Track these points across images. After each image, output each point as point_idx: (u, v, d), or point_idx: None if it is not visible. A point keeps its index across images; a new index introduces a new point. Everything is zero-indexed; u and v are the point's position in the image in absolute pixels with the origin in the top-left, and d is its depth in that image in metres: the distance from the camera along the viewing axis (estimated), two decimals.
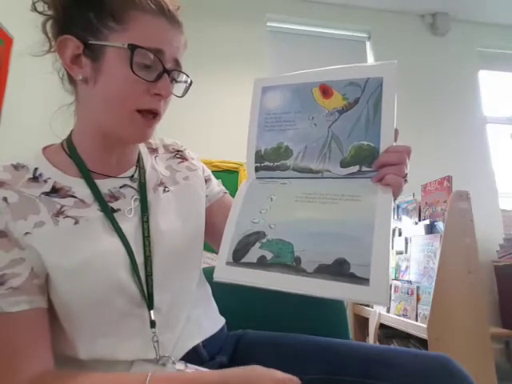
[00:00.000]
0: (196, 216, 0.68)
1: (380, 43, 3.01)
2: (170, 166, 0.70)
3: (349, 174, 0.53)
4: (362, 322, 2.24)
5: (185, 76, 0.60)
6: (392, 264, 2.00)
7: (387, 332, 1.96)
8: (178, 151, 0.74)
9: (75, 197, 0.55)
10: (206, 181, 0.74)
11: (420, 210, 1.97)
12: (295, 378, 0.47)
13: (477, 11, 3.03)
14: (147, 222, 0.59)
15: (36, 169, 0.54)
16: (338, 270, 0.45)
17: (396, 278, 1.95)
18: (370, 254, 0.45)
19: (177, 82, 0.60)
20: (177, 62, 0.57)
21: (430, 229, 1.81)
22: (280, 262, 0.48)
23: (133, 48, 0.51)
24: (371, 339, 1.95)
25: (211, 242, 0.73)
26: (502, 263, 2.44)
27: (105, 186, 0.58)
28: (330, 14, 2.98)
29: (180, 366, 0.54)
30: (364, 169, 0.52)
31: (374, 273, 0.44)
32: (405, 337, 1.88)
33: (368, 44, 3.05)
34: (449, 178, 1.81)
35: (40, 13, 0.56)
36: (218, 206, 0.74)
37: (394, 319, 1.84)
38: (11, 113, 1.45)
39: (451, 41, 3.07)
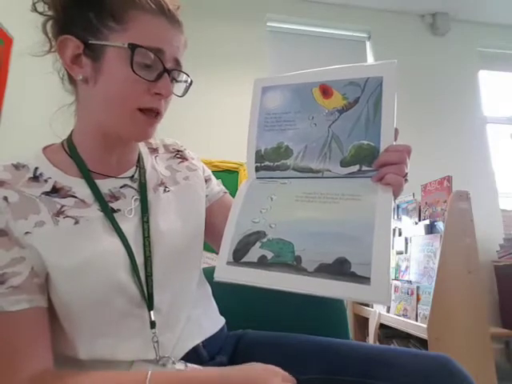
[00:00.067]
0: (196, 216, 0.68)
1: (380, 43, 3.01)
2: (171, 165, 0.70)
3: (349, 174, 0.53)
4: (362, 322, 2.24)
5: (185, 76, 0.61)
6: (392, 264, 2.00)
7: (387, 332, 1.96)
8: (178, 151, 0.74)
9: (75, 197, 0.55)
10: (206, 181, 0.74)
11: (420, 210, 1.97)
12: (293, 378, 0.47)
13: (477, 11, 3.03)
14: (147, 222, 0.59)
15: (36, 168, 0.54)
16: (339, 269, 0.45)
17: (396, 278, 1.95)
18: (370, 253, 0.45)
19: (177, 81, 0.60)
20: (177, 62, 0.57)
21: (430, 229, 1.81)
22: (280, 261, 0.48)
23: (133, 47, 0.51)
24: (371, 339, 1.95)
25: (211, 242, 0.73)
26: (502, 263, 2.44)
27: (105, 186, 0.58)
28: (330, 13, 2.98)
29: (180, 366, 0.54)
30: (364, 168, 0.52)
31: (375, 272, 0.44)
32: (405, 337, 1.88)
33: (368, 44, 3.06)
34: (449, 178, 1.81)
35: (40, 13, 0.56)
36: (218, 206, 0.74)
37: (393, 319, 1.84)
38: (11, 113, 1.45)
39: (451, 41, 3.07)
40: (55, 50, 0.56)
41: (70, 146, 0.59)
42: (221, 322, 0.70)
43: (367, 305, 2.18)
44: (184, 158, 0.73)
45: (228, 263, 0.51)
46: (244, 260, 0.50)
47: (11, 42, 1.46)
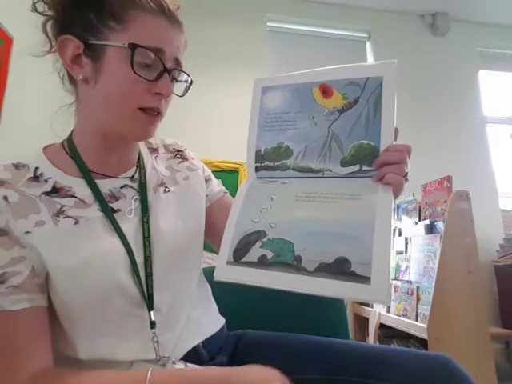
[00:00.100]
0: (196, 216, 0.68)
1: (380, 43, 3.01)
2: (171, 166, 0.70)
3: (349, 174, 0.53)
4: (362, 322, 2.24)
5: (185, 75, 0.61)
6: (392, 264, 2.00)
7: (387, 332, 1.96)
8: (179, 151, 0.74)
9: (75, 197, 0.55)
10: (206, 181, 0.74)
11: (420, 210, 1.97)
12: None
13: (477, 11, 3.03)
14: (147, 222, 0.59)
15: (37, 168, 0.55)
16: (339, 268, 0.45)
17: (396, 278, 1.95)
18: (370, 252, 0.45)
19: (177, 81, 0.60)
20: (177, 62, 0.57)
21: (430, 229, 1.81)
22: (281, 261, 0.48)
23: (133, 47, 0.51)
24: (371, 339, 1.95)
25: (211, 242, 0.73)
26: (502, 263, 2.44)
27: (105, 186, 0.58)
28: (330, 13, 2.98)
29: (180, 365, 0.54)
30: (364, 168, 0.52)
31: (375, 271, 0.44)
32: (405, 337, 1.87)
33: (368, 44, 3.06)
34: (449, 178, 1.81)
35: (40, 13, 0.56)
36: (218, 206, 0.74)
37: (394, 319, 1.84)
38: (11, 113, 1.45)
39: (451, 41, 3.07)
40: (55, 50, 0.56)
41: (70, 146, 0.59)
42: (221, 322, 0.70)
43: (367, 305, 2.18)
44: (184, 158, 0.73)
45: (228, 263, 0.51)
46: (244, 260, 0.50)
47: (11, 42, 1.46)
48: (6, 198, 0.49)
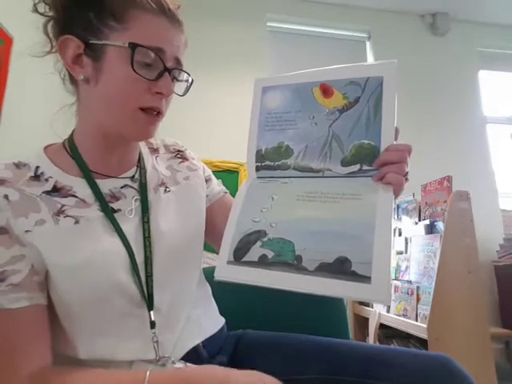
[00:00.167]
0: (196, 216, 0.68)
1: (380, 43, 3.01)
2: (171, 166, 0.70)
3: (350, 173, 0.53)
4: (362, 322, 2.24)
5: (186, 75, 0.61)
6: (392, 264, 2.00)
7: (387, 332, 1.96)
8: (179, 151, 0.74)
9: (76, 196, 0.55)
10: (206, 181, 0.74)
11: (420, 210, 1.97)
12: None
13: (477, 11, 3.04)
14: (148, 222, 0.59)
15: (37, 167, 0.55)
16: (340, 268, 0.45)
17: (396, 278, 1.95)
18: (371, 252, 0.45)
19: (178, 80, 0.60)
20: (178, 61, 0.57)
21: (430, 229, 1.81)
22: (281, 260, 0.48)
23: (133, 47, 0.51)
24: (371, 339, 1.95)
25: (211, 242, 0.73)
26: (502, 263, 2.44)
27: (105, 186, 0.58)
28: (330, 13, 2.98)
29: (179, 365, 0.54)
30: (365, 167, 0.52)
31: (376, 271, 0.44)
32: (405, 337, 1.87)
33: (368, 44, 3.06)
34: (449, 178, 1.81)
35: (41, 14, 0.56)
36: (219, 206, 0.74)
37: (394, 319, 1.84)
38: (11, 113, 1.45)
39: (451, 41, 3.07)
40: (56, 50, 0.56)
41: (71, 146, 0.59)
42: (221, 321, 0.70)
43: (367, 305, 2.18)
44: (184, 158, 0.73)
45: (228, 262, 0.51)
46: (244, 259, 0.50)
47: (11, 42, 1.46)
48: (6, 196, 0.49)
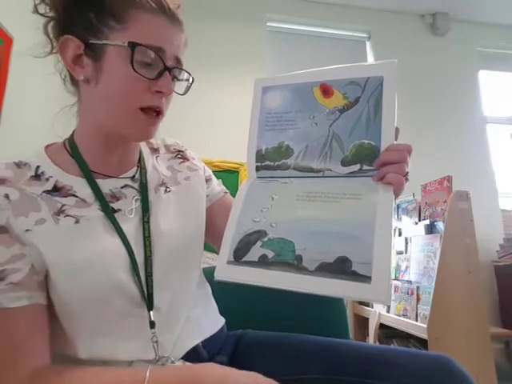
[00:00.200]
0: (197, 216, 0.68)
1: (380, 43, 3.01)
2: (172, 166, 0.70)
3: (350, 173, 0.53)
4: (362, 322, 2.24)
5: (186, 74, 0.61)
6: (392, 264, 2.00)
7: (387, 332, 1.96)
8: (179, 151, 0.74)
9: (76, 196, 0.55)
10: (206, 181, 0.74)
11: (420, 210, 1.97)
12: None
13: (477, 11, 3.04)
14: (148, 222, 0.59)
15: (38, 167, 0.55)
16: (340, 268, 0.45)
17: (396, 278, 1.95)
18: (371, 252, 0.45)
19: (178, 80, 0.60)
20: (178, 60, 0.57)
21: (430, 229, 1.81)
22: (281, 260, 0.48)
23: (133, 46, 0.51)
24: (371, 339, 1.95)
25: (211, 242, 0.73)
26: (502, 263, 2.44)
27: (106, 185, 0.58)
28: (330, 13, 2.98)
29: (179, 365, 0.54)
30: (365, 167, 0.52)
31: (376, 271, 0.44)
32: (405, 337, 1.87)
33: (368, 44, 3.06)
34: (449, 178, 1.81)
35: (41, 15, 0.56)
36: (219, 206, 0.74)
37: (394, 319, 1.84)
38: (11, 113, 1.45)
39: (451, 41, 3.07)
40: (57, 51, 0.56)
41: (71, 146, 0.59)
42: (221, 321, 0.70)
43: (367, 305, 2.18)
44: (185, 158, 0.73)
45: (229, 262, 0.51)
46: (245, 259, 0.50)
47: (11, 41, 1.46)
48: (7, 195, 0.49)
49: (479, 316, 1.60)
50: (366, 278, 0.44)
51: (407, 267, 1.89)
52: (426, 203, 1.92)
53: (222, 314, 0.72)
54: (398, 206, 2.13)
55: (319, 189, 0.53)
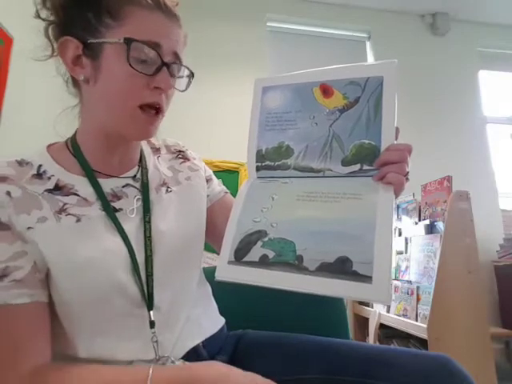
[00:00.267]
0: (197, 216, 0.68)
1: (380, 43, 3.01)
2: (173, 166, 0.70)
3: (350, 173, 0.53)
4: (362, 322, 2.24)
5: (187, 70, 0.60)
6: (392, 264, 2.00)
7: (387, 332, 1.96)
8: (180, 151, 0.74)
9: (78, 195, 0.55)
10: (207, 181, 0.74)
11: (420, 210, 1.97)
12: None
13: (477, 11, 3.04)
14: (149, 222, 0.59)
15: (40, 165, 0.55)
16: (341, 267, 0.45)
17: (396, 278, 1.95)
18: (371, 252, 0.45)
19: (178, 77, 0.59)
20: (176, 56, 0.56)
21: (430, 229, 1.81)
22: (282, 260, 0.48)
23: (129, 42, 0.51)
24: (371, 339, 1.95)
25: (212, 242, 0.73)
26: (502, 263, 2.44)
27: (107, 185, 0.58)
28: (330, 13, 2.98)
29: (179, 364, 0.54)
30: (365, 167, 0.52)
31: (377, 270, 0.44)
32: (405, 337, 1.87)
33: (368, 44, 3.06)
34: (449, 178, 1.81)
35: (43, 19, 0.56)
36: (219, 206, 0.74)
37: (394, 319, 1.84)
38: (11, 113, 1.45)
39: (451, 41, 3.07)
40: (57, 53, 0.56)
41: (73, 145, 0.59)
42: (221, 321, 0.70)
43: (367, 305, 2.18)
44: (186, 159, 0.73)
45: (229, 262, 0.51)
46: (245, 259, 0.50)
47: (11, 42, 1.46)
48: (8, 193, 0.49)
49: (479, 316, 1.60)
50: (366, 278, 0.44)
51: (407, 267, 1.89)
52: (426, 203, 1.92)
53: (222, 313, 0.72)
54: (398, 206, 2.13)
55: (319, 189, 0.53)
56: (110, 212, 0.55)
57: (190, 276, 0.65)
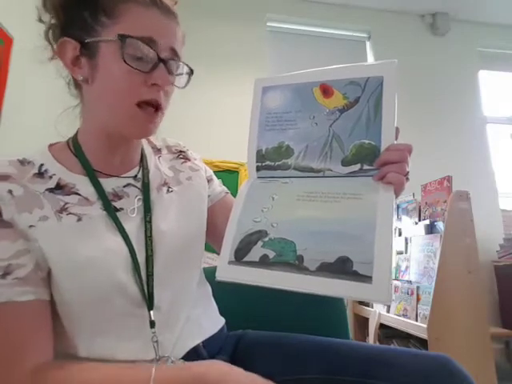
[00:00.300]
0: (198, 216, 0.68)
1: (380, 43, 3.01)
2: (174, 166, 0.70)
3: (350, 173, 0.53)
4: (362, 322, 2.24)
5: (186, 67, 0.60)
6: (392, 264, 2.00)
7: (387, 332, 1.96)
8: (181, 152, 0.74)
9: (79, 194, 0.55)
10: (208, 181, 0.74)
11: (420, 210, 1.97)
12: None
13: (477, 11, 3.04)
14: (150, 221, 0.59)
15: (42, 165, 0.55)
16: (341, 267, 0.45)
17: (396, 278, 1.95)
18: (372, 251, 0.45)
19: (177, 74, 0.59)
20: (174, 52, 0.56)
21: (430, 229, 1.81)
22: (282, 260, 0.48)
23: (123, 38, 0.51)
24: (371, 339, 1.95)
25: (212, 242, 0.73)
26: (502, 263, 2.44)
27: (108, 184, 0.58)
28: (330, 13, 2.98)
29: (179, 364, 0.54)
30: (365, 167, 0.52)
31: (377, 270, 0.44)
32: (405, 337, 1.88)
33: (368, 44, 3.06)
34: (449, 178, 1.81)
35: (45, 23, 0.56)
36: (220, 207, 0.74)
37: (394, 319, 1.84)
38: (11, 113, 1.45)
39: (451, 41, 3.07)
40: (57, 55, 0.56)
41: (74, 145, 0.59)
42: (221, 322, 0.70)
43: (367, 305, 2.18)
44: (187, 159, 0.73)
45: (230, 262, 0.51)
46: (246, 259, 0.50)
47: (11, 42, 1.46)
48: (10, 191, 0.50)
49: (479, 316, 1.60)
50: (366, 278, 0.44)
51: (407, 267, 1.89)
52: (426, 203, 1.92)
53: (222, 314, 0.72)
54: (398, 206, 2.13)
55: (320, 189, 0.53)
56: (111, 212, 0.55)
57: (191, 276, 0.65)
